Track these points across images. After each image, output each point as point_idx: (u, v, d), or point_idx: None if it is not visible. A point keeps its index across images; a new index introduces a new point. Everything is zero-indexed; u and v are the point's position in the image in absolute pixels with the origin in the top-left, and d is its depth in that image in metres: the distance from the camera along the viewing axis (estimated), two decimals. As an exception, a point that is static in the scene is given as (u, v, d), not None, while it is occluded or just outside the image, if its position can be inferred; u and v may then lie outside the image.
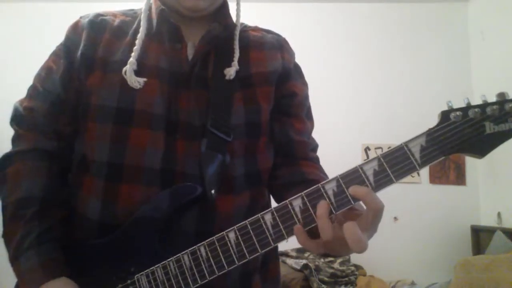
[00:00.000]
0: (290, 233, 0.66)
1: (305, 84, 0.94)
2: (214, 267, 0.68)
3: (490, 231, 2.76)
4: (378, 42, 3.42)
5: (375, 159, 0.64)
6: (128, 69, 0.78)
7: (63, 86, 0.83)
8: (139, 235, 0.74)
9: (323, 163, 0.90)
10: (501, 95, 0.62)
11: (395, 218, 3.13)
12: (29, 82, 0.88)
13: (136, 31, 0.84)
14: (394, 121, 3.19)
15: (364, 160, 0.66)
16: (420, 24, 3.43)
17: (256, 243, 0.67)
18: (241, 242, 0.67)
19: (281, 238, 0.66)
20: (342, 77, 3.38)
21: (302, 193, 0.66)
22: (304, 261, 2.68)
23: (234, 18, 0.90)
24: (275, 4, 3.46)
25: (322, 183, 0.65)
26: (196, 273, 0.69)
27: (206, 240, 0.69)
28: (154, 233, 0.74)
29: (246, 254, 0.67)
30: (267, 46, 0.89)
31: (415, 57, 3.38)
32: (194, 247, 0.70)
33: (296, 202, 0.66)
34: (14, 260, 0.74)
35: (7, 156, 0.82)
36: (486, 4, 3.23)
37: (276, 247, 0.77)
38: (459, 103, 0.64)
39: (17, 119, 0.85)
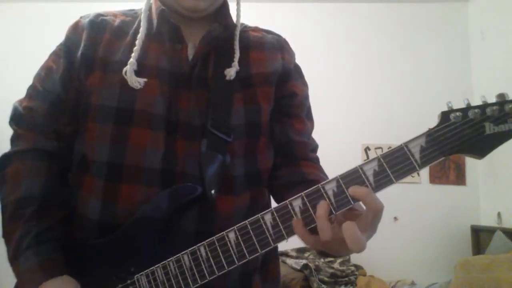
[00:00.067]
0: (290, 233, 0.66)
1: (305, 84, 0.94)
2: (214, 267, 0.68)
3: (490, 231, 2.76)
4: (378, 42, 3.42)
5: (375, 159, 0.64)
6: (129, 69, 0.78)
7: (63, 86, 0.83)
8: (139, 235, 0.74)
9: (323, 163, 0.90)
10: (501, 95, 0.62)
11: (395, 218, 3.13)
12: (29, 82, 0.88)
13: (137, 31, 0.84)
14: (394, 121, 3.19)
15: (364, 160, 0.66)
16: (420, 24, 3.43)
17: (256, 243, 0.67)
18: (241, 242, 0.67)
19: (281, 238, 0.66)
20: (342, 77, 3.38)
21: (302, 193, 0.66)
22: (304, 261, 2.68)
23: (234, 18, 0.90)
24: (275, 4, 3.46)
25: (322, 183, 0.65)
26: (196, 273, 0.69)
27: (206, 240, 0.69)
28: (154, 233, 0.74)
29: (246, 254, 0.67)
30: (267, 46, 0.89)
31: (415, 57, 3.38)
32: (194, 247, 0.70)
33: (296, 202, 0.66)
34: (13, 260, 0.74)
35: (6, 156, 0.82)
36: (486, 4, 3.23)
37: (276, 247, 0.77)
38: (459, 103, 0.64)
39: (16, 119, 0.85)
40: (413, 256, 3.09)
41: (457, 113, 0.63)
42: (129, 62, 0.79)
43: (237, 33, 0.88)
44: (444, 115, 0.63)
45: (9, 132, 0.86)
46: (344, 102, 3.34)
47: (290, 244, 2.77)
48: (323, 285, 2.57)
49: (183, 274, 0.70)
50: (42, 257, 0.73)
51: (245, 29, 0.93)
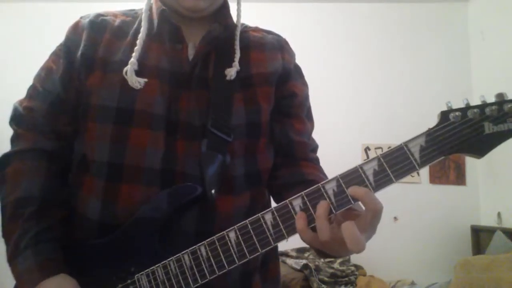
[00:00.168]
0: (290, 232, 0.66)
1: (305, 84, 0.94)
2: (215, 266, 0.68)
3: (490, 231, 2.76)
4: (378, 42, 3.42)
5: (375, 159, 0.64)
6: (129, 69, 0.78)
7: (63, 86, 0.83)
8: (139, 235, 0.74)
9: (323, 163, 0.90)
10: (500, 95, 0.62)
11: (395, 218, 3.13)
12: (29, 82, 0.88)
13: (137, 32, 0.84)
14: (394, 121, 3.19)
15: (364, 160, 0.66)
16: (420, 24, 3.43)
17: (256, 242, 0.67)
18: (242, 242, 0.67)
19: (281, 237, 0.66)
20: (342, 77, 3.38)
21: (302, 192, 0.66)
22: (304, 261, 2.68)
23: (234, 19, 0.91)
24: (275, 4, 3.46)
25: (322, 183, 0.66)
26: (196, 273, 0.69)
27: (207, 240, 0.70)
28: (154, 233, 0.74)
29: (247, 253, 0.67)
30: (267, 46, 0.90)
31: (415, 57, 3.38)
32: (195, 246, 0.70)
33: (296, 202, 0.66)
34: (12, 259, 0.74)
35: (6, 156, 0.82)
36: (486, 4, 3.23)
37: (276, 247, 0.78)
38: (459, 103, 0.65)
39: (16, 119, 0.85)
40: (413, 256, 3.10)
41: (457, 113, 0.63)
42: (130, 62, 0.79)
43: (238, 33, 0.88)
44: (444, 115, 0.64)
45: (9, 132, 0.86)
46: (344, 102, 3.35)
47: (290, 244, 2.77)
48: (323, 285, 2.57)
49: (183, 274, 0.70)
50: (41, 257, 0.73)
51: (246, 29, 0.93)
